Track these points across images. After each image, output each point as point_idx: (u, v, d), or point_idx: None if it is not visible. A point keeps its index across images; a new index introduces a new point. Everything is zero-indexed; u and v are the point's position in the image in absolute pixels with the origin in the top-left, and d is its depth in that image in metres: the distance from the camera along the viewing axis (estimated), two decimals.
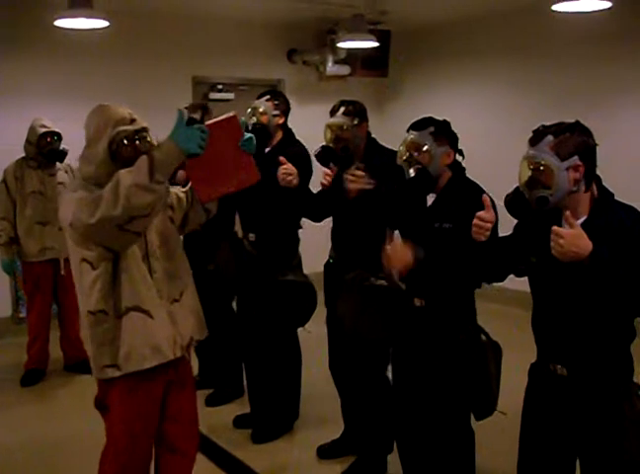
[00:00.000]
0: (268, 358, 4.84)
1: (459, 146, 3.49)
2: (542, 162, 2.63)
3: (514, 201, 2.81)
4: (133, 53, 7.64)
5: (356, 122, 4.11)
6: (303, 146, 4.61)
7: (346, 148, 4.11)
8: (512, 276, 3.03)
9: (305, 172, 4.37)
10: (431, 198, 3.46)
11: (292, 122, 4.69)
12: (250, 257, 4.71)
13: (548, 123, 2.71)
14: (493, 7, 7.73)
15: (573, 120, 2.71)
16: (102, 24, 5.45)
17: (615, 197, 2.75)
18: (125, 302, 2.96)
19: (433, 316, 3.48)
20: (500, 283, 3.17)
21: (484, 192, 3.28)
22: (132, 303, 2.97)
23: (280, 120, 4.62)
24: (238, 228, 4.98)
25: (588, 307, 2.66)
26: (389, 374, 3.96)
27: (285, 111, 4.67)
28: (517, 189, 2.78)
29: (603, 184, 2.76)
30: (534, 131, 2.72)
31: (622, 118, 6.58)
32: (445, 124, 3.44)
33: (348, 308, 3.95)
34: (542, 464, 2.90)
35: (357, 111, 4.15)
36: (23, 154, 5.81)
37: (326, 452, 4.64)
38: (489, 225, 2.88)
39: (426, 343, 3.49)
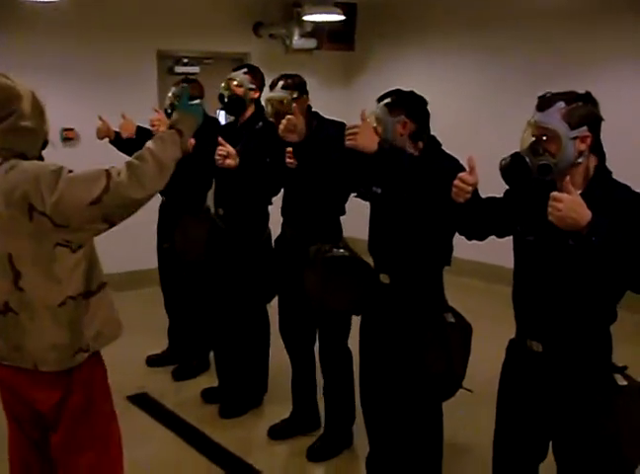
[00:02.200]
0: (235, 333, 4.84)
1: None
2: (551, 128, 2.58)
3: (511, 168, 2.69)
4: (97, 27, 7.53)
5: (295, 96, 4.08)
6: (271, 123, 4.53)
7: None
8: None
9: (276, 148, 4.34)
10: None
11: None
12: (218, 231, 4.72)
13: (555, 91, 2.65)
14: None
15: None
16: None
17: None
18: (99, 279, 2.84)
19: (399, 293, 3.47)
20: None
21: (458, 163, 3.25)
22: (102, 278, 2.86)
23: (256, 95, 4.63)
24: (212, 204, 5.00)
25: (570, 285, 2.63)
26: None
27: (261, 86, 4.66)
28: (515, 154, 2.68)
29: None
30: (541, 97, 2.66)
31: (596, 92, 6.59)
32: (406, 95, 3.41)
33: (313, 282, 3.94)
34: (517, 440, 2.89)
35: (295, 84, 4.13)
36: None
37: (277, 433, 4.62)
38: (470, 188, 2.80)
39: (391, 320, 3.49)
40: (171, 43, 8.15)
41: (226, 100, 4.59)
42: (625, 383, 2.62)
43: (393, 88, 3.47)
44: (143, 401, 5.15)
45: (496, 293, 6.80)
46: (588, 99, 2.64)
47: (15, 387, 2.84)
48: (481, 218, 2.93)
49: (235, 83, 4.58)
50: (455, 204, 2.86)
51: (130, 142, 5.10)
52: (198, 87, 5.30)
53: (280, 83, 4.11)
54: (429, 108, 3.45)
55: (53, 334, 2.72)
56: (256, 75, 4.65)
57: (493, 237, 3.03)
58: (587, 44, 7.17)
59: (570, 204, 2.37)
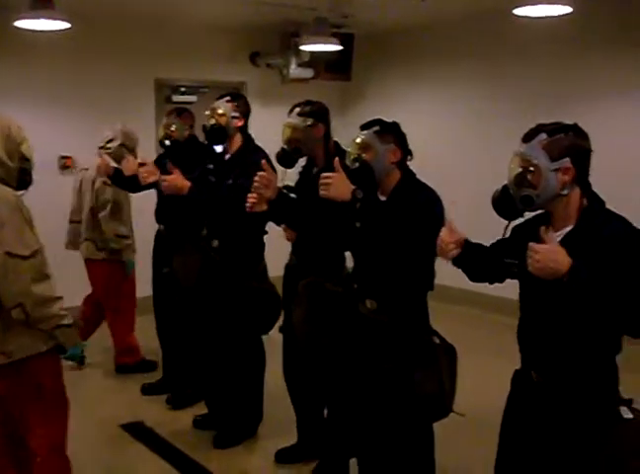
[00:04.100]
0: (230, 364, 4.78)
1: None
2: (531, 160, 2.57)
3: (501, 200, 2.74)
4: (95, 56, 7.59)
5: (309, 123, 4.03)
6: (263, 153, 4.51)
7: (297, 150, 4.07)
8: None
9: None
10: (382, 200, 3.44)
11: (255, 125, 4.68)
12: (213, 263, 4.66)
13: (545, 122, 2.66)
14: (455, 11, 7.81)
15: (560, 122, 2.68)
16: (63, 25, 5.39)
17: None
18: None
19: (384, 317, 3.45)
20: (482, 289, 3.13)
21: (435, 193, 3.34)
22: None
23: (239, 123, 4.55)
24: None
25: (569, 319, 2.59)
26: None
27: (245, 113, 4.60)
28: (505, 186, 2.72)
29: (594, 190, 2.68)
30: (531, 129, 2.66)
31: (585, 121, 6.60)
32: (393, 125, 3.44)
33: (299, 315, 3.95)
34: (518, 470, 2.87)
35: (312, 111, 4.08)
36: None
37: (284, 457, 4.61)
38: (452, 246, 2.87)
39: (377, 344, 3.46)
40: (169, 72, 8.22)
41: (209, 129, 4.56)
42: (631, 416, 2.58)
43: (388, 119, 3.49)
44: (138, 430, 5.13)
45: (479, 319, 6.91)
46: (573, 130, 2.63)
47: None
48: (486, 266, 2.95)
49: (219, 112, 4.52)
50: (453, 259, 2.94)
51: (132, 180, 5.16)
52: (189, 116, 5.35)
53: (297, 109, 4.08)
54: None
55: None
56: (239, 103, 4.59)
57: None
58: (583, 75, 7.23)
59: (547, 255, 2.37)
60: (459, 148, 8.44)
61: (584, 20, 6.42)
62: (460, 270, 3.05)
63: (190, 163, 4.88)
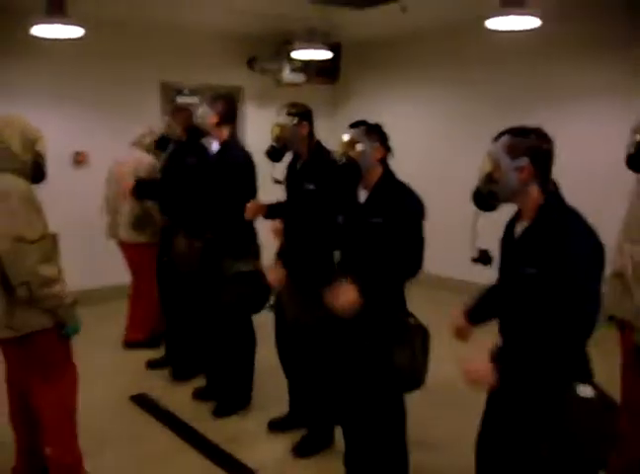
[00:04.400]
0: (225, 341, 5.10)
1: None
2: (494, 159, 2.80)
3: (476, 193, 2.94)
4: (106, 61, 7.93)
5: (295, 122, 4.38)
6: (244, 151, 4.91)
7: (285, 146, 4.46)
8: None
9: (247, 177, 4.78)
10: (364, 195, 3.65)
11: (251, 125, 4.98)
12: (207, 250, 4.99)
13: (513, 126, 2.85)
14: (432, 24, 8.18)
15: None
16: (77, 32, 5.60)
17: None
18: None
19: (366, 300, 3.54)
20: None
21: (412, 190, 3.59)
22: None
23: (214, 120, 4.87)
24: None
25: (528, 305, 2.75)
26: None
27: (221, 112, 4.89)
28: None
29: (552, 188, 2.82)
30: (499, 132, 2.86)
31: (553, 128, 6.75)
32: (377, 125, 3.70)
33: (288, 294, 4.26)
34: (496, 439, 3.00)
35: (297, 112, 4.42)
36: None
37: (276, 425, 4.88)
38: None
39: (357, 324, 3.62)
40: (173, 76, 8.56)
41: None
42: (588, 395, 2.65)
43: (372, 119, 3.74)
44: (143, 401, 5.41)
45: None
46: (531, 132, 2.82)
47: None
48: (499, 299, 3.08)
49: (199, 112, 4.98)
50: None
51: (150, 189, 5.61)
52: (183, 114, 5.67)
53: (285, 110, 4.44)
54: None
55: None
56: (215, 103, 4.89)
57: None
58: (552, 83, 7.52)
59: (472, 376, 2.75)
60: (439, 148, 8.78)
61: (552, 30, 6.59)
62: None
63: (181, 157, 5.37)
